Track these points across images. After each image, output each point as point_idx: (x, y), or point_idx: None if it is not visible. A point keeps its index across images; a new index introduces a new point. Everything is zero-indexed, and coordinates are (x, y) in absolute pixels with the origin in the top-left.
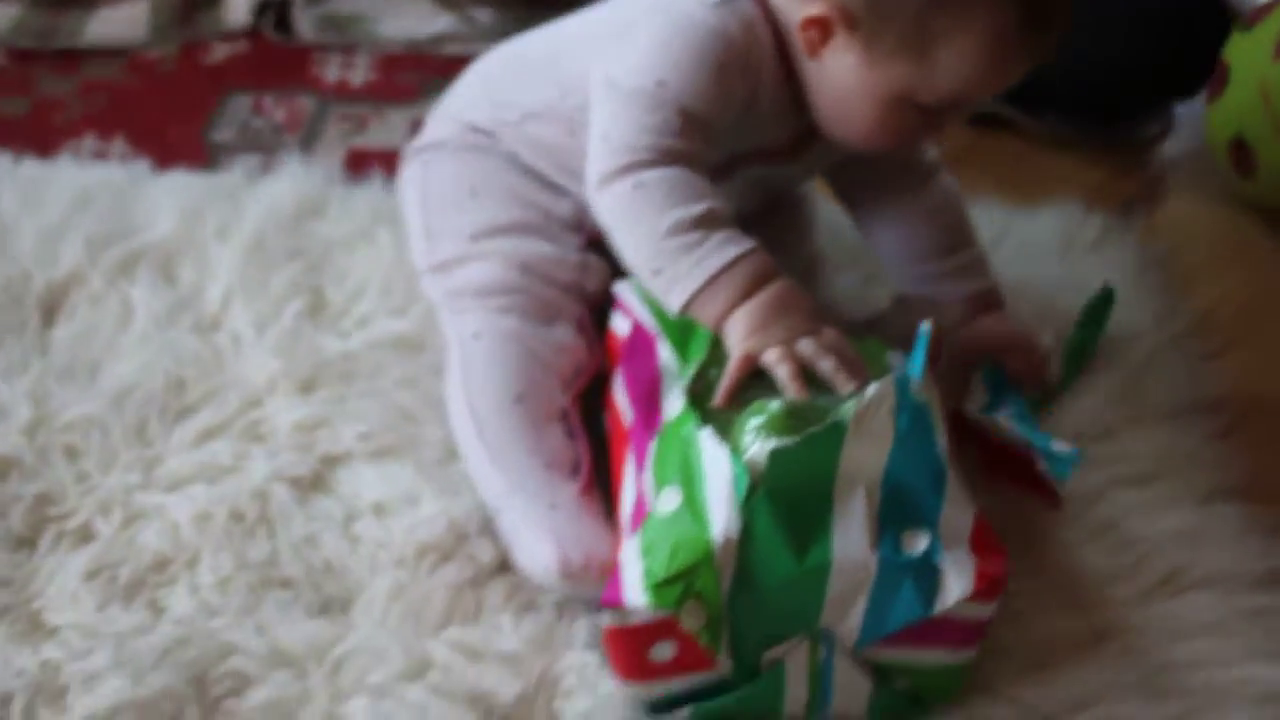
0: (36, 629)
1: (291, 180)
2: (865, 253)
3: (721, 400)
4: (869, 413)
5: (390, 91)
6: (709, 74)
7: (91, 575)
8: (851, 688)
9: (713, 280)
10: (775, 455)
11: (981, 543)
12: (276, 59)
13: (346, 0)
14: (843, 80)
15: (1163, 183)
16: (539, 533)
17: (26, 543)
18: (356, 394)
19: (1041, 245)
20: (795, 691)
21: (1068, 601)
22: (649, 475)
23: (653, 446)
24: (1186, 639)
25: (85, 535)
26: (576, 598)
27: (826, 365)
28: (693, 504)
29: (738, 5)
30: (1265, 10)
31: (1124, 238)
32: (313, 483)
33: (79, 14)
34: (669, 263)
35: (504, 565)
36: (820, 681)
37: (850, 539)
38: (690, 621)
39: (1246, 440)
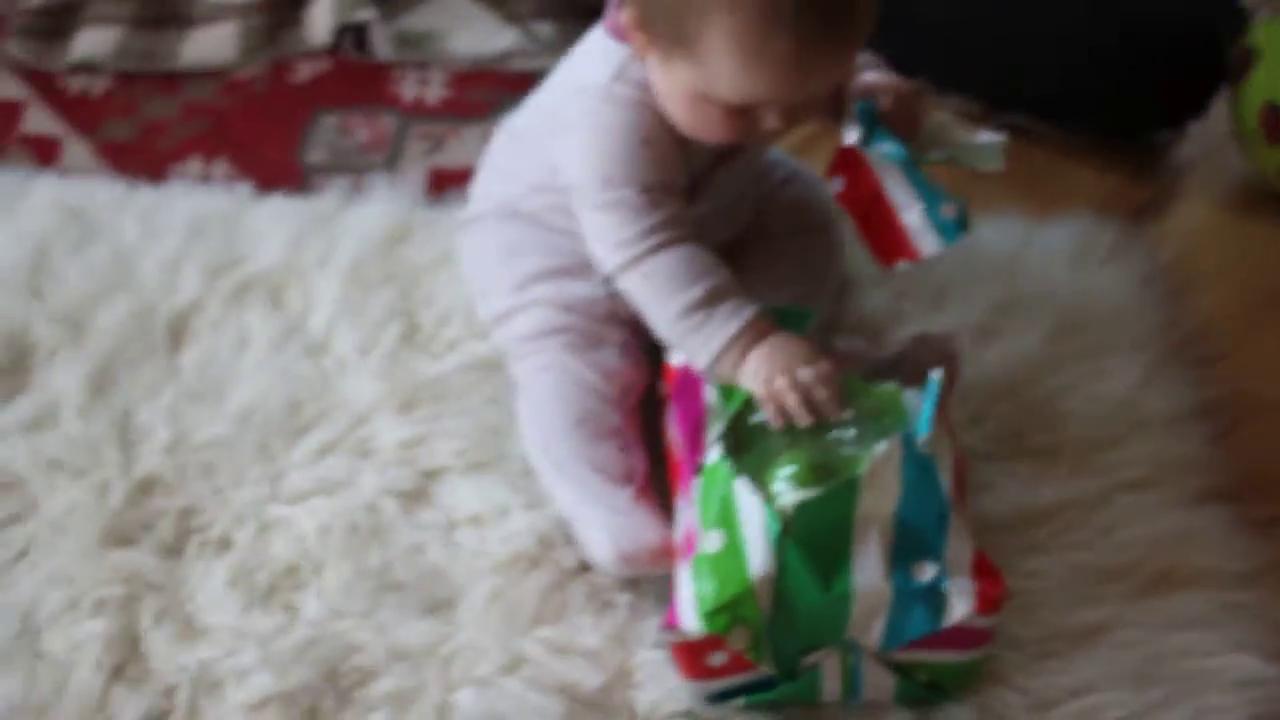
0: (191, 629)
1: (380, 206)
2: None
3: (778, 424)
4: (879, 469)
5: (464, 108)
6: (639, 151)
7: (233, 581)
8: (879, 682)
9: (721, 354)
10: (800, 508)
11: (981, 569)
12: (358, 77)
13: (419, 16)
14: (657, 81)
15: (1174, 188)
16: (600, 533)
17: (175, 551)
18: (450, 413)
19: (1056, 257)
20: (830, 686)
21: (1072, 599)
22: (696, 511)
23: (697, 483)
24: (1174, 632)
25: (224, 544)
26: (641, 577)
27: (821, 393)
28: (733, 544)
29: (628, 73)
30: None
31: (1134, 247)
32: (416, 496)
33: (175, 36)
34: (683, 341)
35: (583, 569)
36: (851, 678)
37: (868, 572)
38: (737, 643)
39: (1241, 441)
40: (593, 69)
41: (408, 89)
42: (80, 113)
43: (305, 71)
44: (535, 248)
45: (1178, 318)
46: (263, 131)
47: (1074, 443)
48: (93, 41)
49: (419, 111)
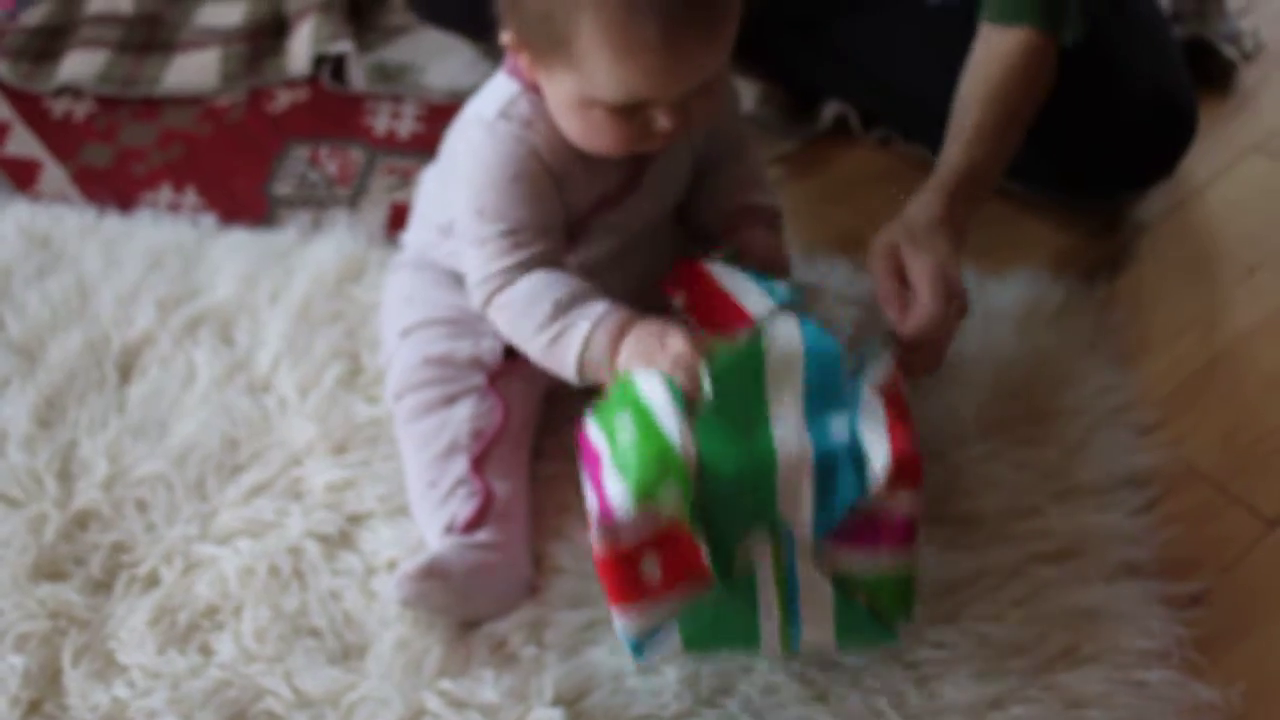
0: (110, 667)
1: (337, 244)
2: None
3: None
4: (780, 328)
5: (432, 143)
6: (511, 188)
7: (155, 620)
8: (816, 596)
9: (583, 357)
10: (713, 370)
11: (894, 429)
12: (333, 107)
13: (396, 49)
14: (548, 96)
15: (1132, 247)
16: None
17: (103, 586)
18: (380, 457)
19: (1004, 315)
20: (767, 598)
21: (973, 670)
22: (594, 425)
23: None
24: (1072, 709)
25: (152, 581)
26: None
27: (682, 377)
28: (647, 428)
29: (513, 108)
30: None
31: (1084, 307)
32: (339, 540)
33: (159, 61)
34: (547, 358)
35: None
36: (787, 587)
37: (787, 427)
38: (671, 502)
39: (1168, 514)
40: (483, 105)
41: (380, 122)
42: (61, 137)
43: (283, 100)
44: (425, 300)
45: (1121, 382)
46: (234, 161)
47: (996, 510)
48: (78, 64)
49: (388, 145)
